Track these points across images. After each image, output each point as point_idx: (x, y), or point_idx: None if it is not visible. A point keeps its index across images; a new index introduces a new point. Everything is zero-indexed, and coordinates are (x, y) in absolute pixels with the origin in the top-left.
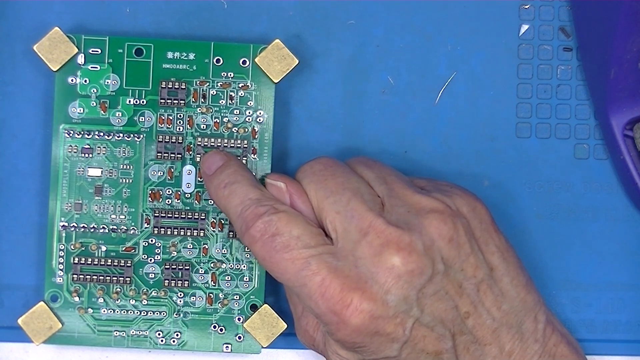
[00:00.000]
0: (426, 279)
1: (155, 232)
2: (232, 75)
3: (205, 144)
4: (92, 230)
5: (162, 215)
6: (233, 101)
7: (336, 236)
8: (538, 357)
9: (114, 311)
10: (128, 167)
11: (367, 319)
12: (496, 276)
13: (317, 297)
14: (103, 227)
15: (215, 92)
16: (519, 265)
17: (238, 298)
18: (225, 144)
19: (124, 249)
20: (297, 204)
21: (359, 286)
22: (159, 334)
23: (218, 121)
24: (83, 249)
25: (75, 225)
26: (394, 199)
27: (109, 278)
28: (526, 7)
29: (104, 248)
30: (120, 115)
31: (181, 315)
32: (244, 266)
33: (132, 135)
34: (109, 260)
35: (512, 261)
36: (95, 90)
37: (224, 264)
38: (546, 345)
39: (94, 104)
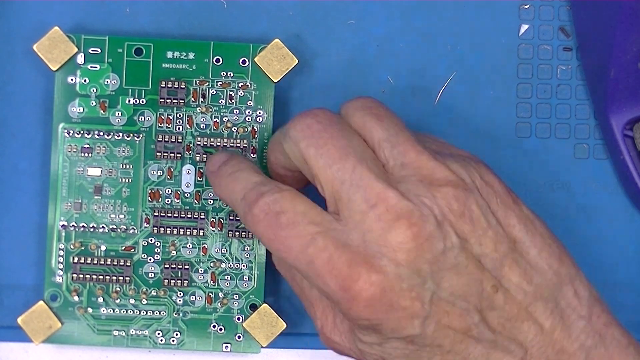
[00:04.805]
0: (438, 252)
1: (155, 231)
2: (231, 75)
3: (205, 143)
4: (91, 229)
5: (161, 214)
6: (233, 101)
7: (341, 206)
8: (585, 336)
9: (113, 310)
10: (127, 166)
11: (378, 291)
12: (521, 249)
13: (325, 274)
14: (103, 227)
15: (214, 92)
16: (547, 235)
17: (237, 297)
18: (224, 144)
19: (123, 248)
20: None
21: (368, 260)
22: (159, 334)
23: (218, 121)
24: (83, 248)
25: (75, 224)
26: (405, 169)
27: (109, 277)
28: (526, 7)
29: (103, 247)
30: (119, 114)
31: (181, 314)
32: (244, 265)
33: (131, 135)
34: (109, 260)
35: (539, 232)
36: (94, 90)
37: (223, 264)
38: (594, 323)
39: (94, 104)
